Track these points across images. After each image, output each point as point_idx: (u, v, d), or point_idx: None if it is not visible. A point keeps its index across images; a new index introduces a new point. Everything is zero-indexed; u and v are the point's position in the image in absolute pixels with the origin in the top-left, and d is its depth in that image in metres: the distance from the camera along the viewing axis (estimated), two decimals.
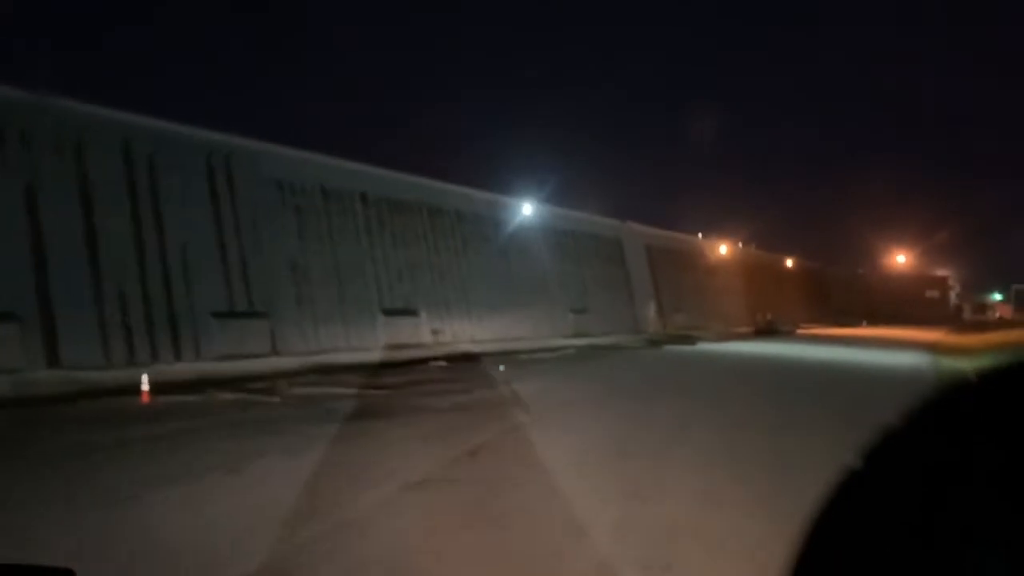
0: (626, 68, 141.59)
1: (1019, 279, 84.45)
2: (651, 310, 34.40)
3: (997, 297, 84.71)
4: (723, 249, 43.36)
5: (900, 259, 78.85)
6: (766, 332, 36.38)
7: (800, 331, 40.95)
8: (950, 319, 68.51)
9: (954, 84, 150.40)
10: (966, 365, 20.27)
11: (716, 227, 45.57)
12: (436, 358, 18.32)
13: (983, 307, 76.62)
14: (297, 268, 18.84)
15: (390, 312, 20.80)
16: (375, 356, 18.55)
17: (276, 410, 10.50)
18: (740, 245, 47.24)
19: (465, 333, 22.60)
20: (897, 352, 25.19)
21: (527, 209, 27.16)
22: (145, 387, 11.75)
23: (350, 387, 12.73)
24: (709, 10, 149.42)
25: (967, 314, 74.12)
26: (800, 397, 12.66)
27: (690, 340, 28.25)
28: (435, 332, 21.78)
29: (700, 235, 43.44)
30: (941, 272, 79.96)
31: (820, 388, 14.41)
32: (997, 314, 73.04)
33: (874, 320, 57.30)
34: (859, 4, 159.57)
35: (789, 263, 53.49)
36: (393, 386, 13.15)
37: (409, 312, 21.39)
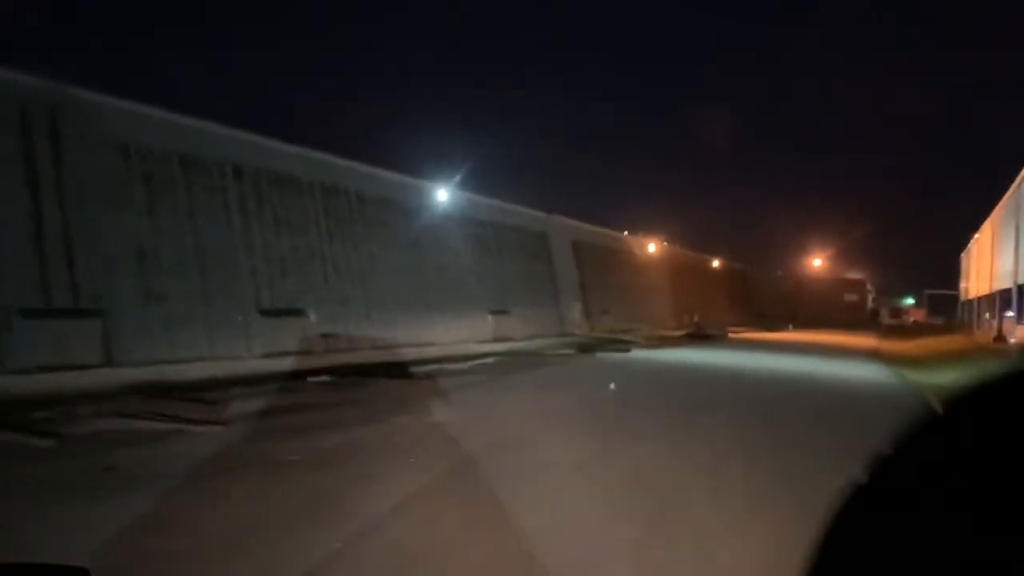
0: (555, 59, 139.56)
1: (928, 284, 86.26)
2: (577, 311, 31.45)
3: (909, 301, 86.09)
4: (651, 248, 40.90)
5: (816, 263, 78.94)
6: (698, 336, 33.92)
7: (731, 335, 38.81)
8: (869, 323, 68.57)
9: (872, 92, 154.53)
10: (930, 379, 17.98)
11: (642, 225, 43.19)
12: (322, 371, 14.66)
13: (899, 311, 77.34)
14: (145, 254, 14.87)
15: (270, 312, 17.00)
16: (247, 367, 14.78)
17: (29, 464, 6.78)
18: (666, 244, 44.99)
19: (365, 338, 18.96)
20: (848, 362, 22.89)
21: (442, 195, 23.69)
22: None
23: (179, 420, 9.02)
24: (647, 3, 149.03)
25: (884, 318, 74.53)
26: (795, 435, 9.65)
27: (623, 346, 25.35)
28: (327, 337, 18.08)
29: (626, 233, 40.91)
30: (858, 275, 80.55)
31: (804, 415, 11.48)
32: (912, 318, 73.68)
33: (798, 324, 56.22)
34: (785, 6, 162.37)
35: (716, 264, 51.69)
36: (245, 416, 9.53)
37: (294, 312, 17.62)
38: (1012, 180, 27.22)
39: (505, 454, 7.63)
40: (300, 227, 18.50)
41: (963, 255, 55.74)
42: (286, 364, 15.37)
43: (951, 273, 70.14)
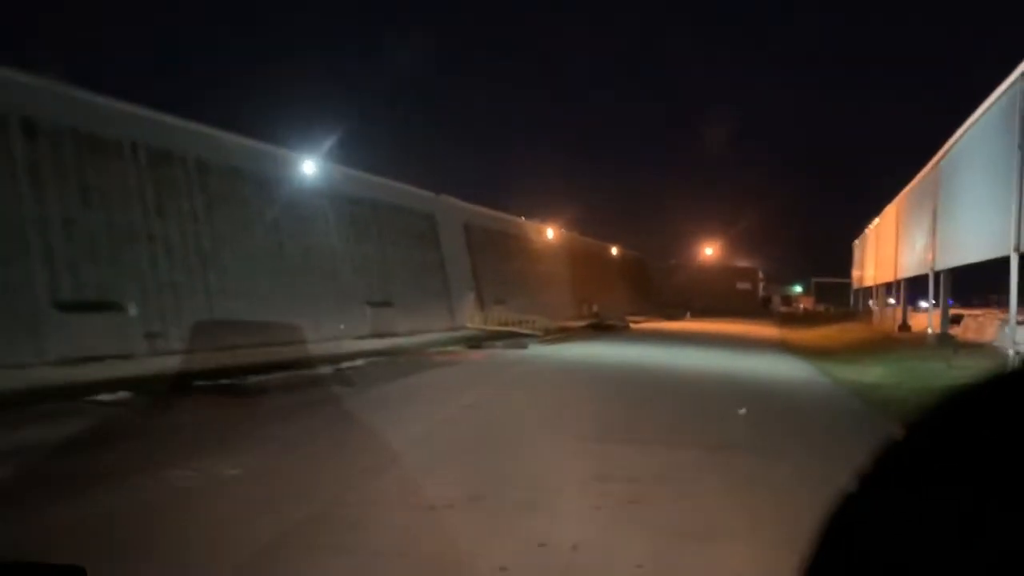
0: (447, 34, 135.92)
1: (814, 272, 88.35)
2: (470, 302, 28.65)
3: (798, 289, 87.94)
4: (550, 234, 38.56)
5: (708, 252, 79.31)
6: (599, 328, 31.74)
7: (632, 325, 36.98)
8: (761, 311, 69.07)
9: (754, 82, 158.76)
10: (858, 376, 16.20)
11: (540, 211, 40.87)
12: (130, 383, 11.22)
13: (789, 299, 78.57)
14: None
15: (71, 306, 13.32)
16: (26, 379, 11.18)
17: None
18: (565, 231, 42.84)
19: (205, 337, 15.49)
20: (762, 357, 21.06)
21: (309, 167, 20.30)
22: None
23: None
24: None
25: (775, 306, 75.41)
26: (753, 472, 7.12)
27: (519, 340, 22.74)
28: (152, 337, 14.53)
29: (523, 218, 38.45)
30: (748, 263, 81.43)
31: (754, 437, 9.01)
32: (802, 306, 74.90)
33: (695, 312, 55.49)
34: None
35: (614, 252, 49.99)
36: None
37: (106, 306, 13.98)
38: (891, 172, 26.18)
39: None
40: (119, 199, 14.81)
41: (856, 243, 56.35)
42: (86, 373, 11.85)
43: (836, 262, 71.53)
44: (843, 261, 78.84)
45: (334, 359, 15.81)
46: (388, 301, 23.02)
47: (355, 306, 21.33)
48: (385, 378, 13.70)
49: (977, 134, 18.35)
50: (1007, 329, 20.19)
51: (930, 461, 0.62)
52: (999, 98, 16.18)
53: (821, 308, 73.65)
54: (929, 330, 22.54)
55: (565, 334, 27.06)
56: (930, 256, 22.56)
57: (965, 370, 14.84)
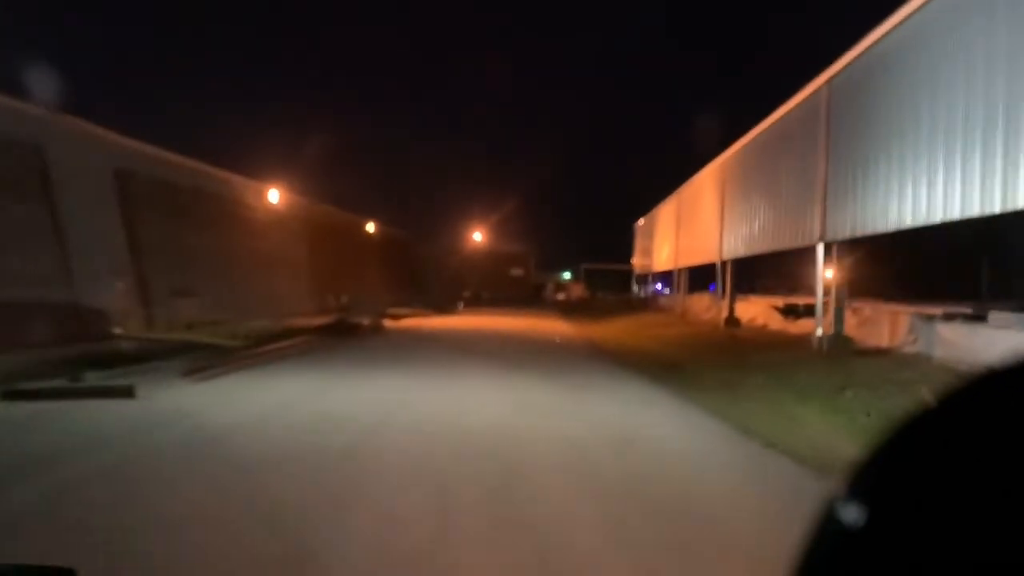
0: None
1: (582, 258, 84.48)
2: (121, 293, 17.73)
3: (566, 276, 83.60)
4: (274, 197, 28.05)
5: (477, 236, 71.95)
6: (342, 330, 21.95)
7: (390, 323, 27.76)
8: (536, 300, 63.15)
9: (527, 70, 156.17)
10: (787, 430, 8.31)
11: (266, 169, 30.16)
12: None
13: (563, 287, 73.49)
14: None
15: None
16: None
17: None
18: (300, 198, 32.56)
19: None
20: (589, 378, 12.76)
21: None
22: None
23: None
24: None
25: (550, 293, 69.99)
26: None
27: (159, 372, 12.49)
28: None
29: (245, 179, 27.55)
30: (522, 248, 75.36)
31: None
32: (575, 294, 70.09)
33: (468, 302, 47.50)
34: None
35: (371, 228, 40.23)
36: None
37: None
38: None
39: None
40: None
41: (639, 224, 51.45)
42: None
43: (605, 247, 67.75)
44: (613, 247, 75.40)
45: None
46: None
47: None
48: None
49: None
50: (925, 328, 13.55)
51: None
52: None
53: (589, 296, 69.31)
54: (819, 331, 15.56)
55: (272, 347, 16.95)
56: (819, 227, 15.65)
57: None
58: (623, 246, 65.09)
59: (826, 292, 15.76)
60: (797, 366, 12.90)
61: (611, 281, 77.16)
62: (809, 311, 21.43)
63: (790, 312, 23.21)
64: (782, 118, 19.33)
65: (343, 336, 21.00)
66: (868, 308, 16.68)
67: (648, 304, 42.53)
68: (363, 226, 39.37)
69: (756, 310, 24.56)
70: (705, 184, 28.30)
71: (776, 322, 22.80)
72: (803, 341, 16.68)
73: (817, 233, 15.92)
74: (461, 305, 42.66)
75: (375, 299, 36.80)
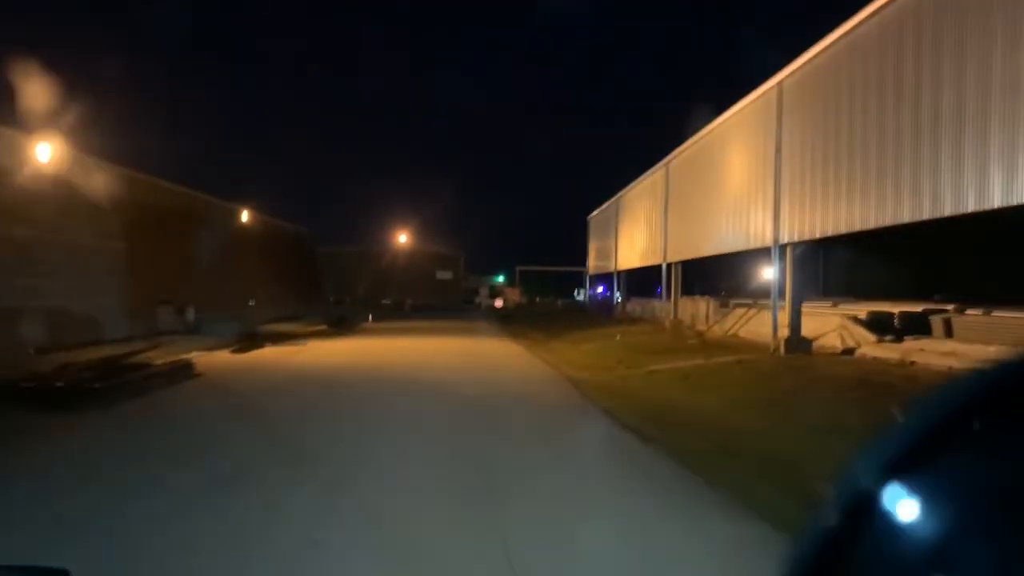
0: None
1: (517, 259, 75.04)
2: None
3: (500, 279, 74.13)
4: (43, 154, 17.50)
5: (403, 238, 61.66)
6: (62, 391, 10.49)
7: (243, 356, 17.75)
8: (468, 307, 53.72)
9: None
10: None
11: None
12: None
13: (498, 292, 63.90)
14: None
15: None
16: None
17: None
18: (142, 177, 22.21)
19: None
20: None
21: None
22: None
23: None
24: None
25: (483, 299, 60.46)
26: None
27: None
28: None
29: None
30: (446, 250, 65.54)
31: None
32: (513, 300, 60.77)
33: (379, 314, 37.53)
34: None
35: (244, 217, 29.64)
36: None
37: None
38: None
39: None
40: None
41: (592, 217, 42.49)
42: None
43: (543, 248, 58.87)
44: (551, 246, 66.35)
45: None
46: None
47: None
48: None
49: None
50: None
51: None
52: None
53: (527, 301, 60.33)
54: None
55: None
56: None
57: None
58: (563, 245, 56.62)
59: None
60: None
61: (550, 284, 68.38)
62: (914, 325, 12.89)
63: (879, 326, 14.45)
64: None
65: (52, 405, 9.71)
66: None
67: (609, 312, 33.36)
68: (233, 213, 28.93)
69: (821, 323, 15.60)
70: (725, 139, 19.24)
71: (865, 343, 13.95)
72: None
73: None
74: (369, 318, 32.66)
75: (249, 312, 26.64)
